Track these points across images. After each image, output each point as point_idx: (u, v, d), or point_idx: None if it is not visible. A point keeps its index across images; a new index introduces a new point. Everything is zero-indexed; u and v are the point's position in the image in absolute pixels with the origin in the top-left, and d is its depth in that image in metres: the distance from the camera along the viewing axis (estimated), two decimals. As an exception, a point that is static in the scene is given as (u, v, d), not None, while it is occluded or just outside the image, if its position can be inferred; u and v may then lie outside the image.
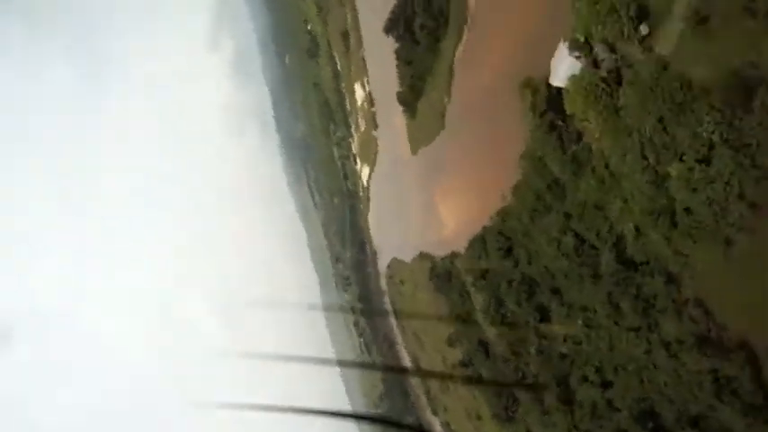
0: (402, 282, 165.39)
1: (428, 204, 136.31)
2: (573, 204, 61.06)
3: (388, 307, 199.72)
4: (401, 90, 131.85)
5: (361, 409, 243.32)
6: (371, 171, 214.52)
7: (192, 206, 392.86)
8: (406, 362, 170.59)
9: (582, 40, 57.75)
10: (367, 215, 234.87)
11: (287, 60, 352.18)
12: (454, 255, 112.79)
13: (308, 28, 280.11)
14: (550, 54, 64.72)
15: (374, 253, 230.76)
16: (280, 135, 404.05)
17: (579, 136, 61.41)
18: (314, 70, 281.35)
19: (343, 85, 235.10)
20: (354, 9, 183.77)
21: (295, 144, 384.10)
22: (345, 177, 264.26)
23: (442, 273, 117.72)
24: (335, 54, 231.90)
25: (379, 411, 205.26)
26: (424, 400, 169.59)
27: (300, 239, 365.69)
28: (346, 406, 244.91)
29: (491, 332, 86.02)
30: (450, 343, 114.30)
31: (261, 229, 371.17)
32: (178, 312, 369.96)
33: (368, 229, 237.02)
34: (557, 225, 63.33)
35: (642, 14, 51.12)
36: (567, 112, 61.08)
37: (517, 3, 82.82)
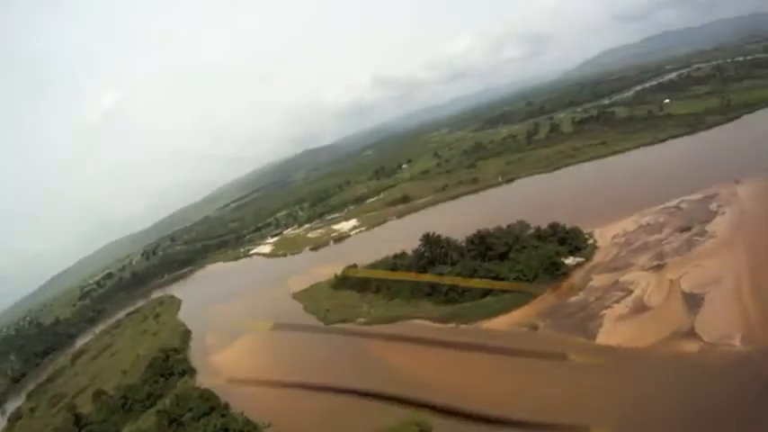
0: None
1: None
2: None
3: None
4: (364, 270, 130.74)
5: None
6: (271, 253, 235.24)
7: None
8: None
9: None
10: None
11: (369, 152, 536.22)
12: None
13: (403, 165, 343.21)
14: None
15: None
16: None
17: None
18: (363, 180, 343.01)
19: (352, 207, 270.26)
20: (438, 201, 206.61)
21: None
22: (256, 230, 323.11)
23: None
24: (382, 196, 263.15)
25: None
26: None
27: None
28: None
29: None
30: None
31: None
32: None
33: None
34: None
35: None
36: None
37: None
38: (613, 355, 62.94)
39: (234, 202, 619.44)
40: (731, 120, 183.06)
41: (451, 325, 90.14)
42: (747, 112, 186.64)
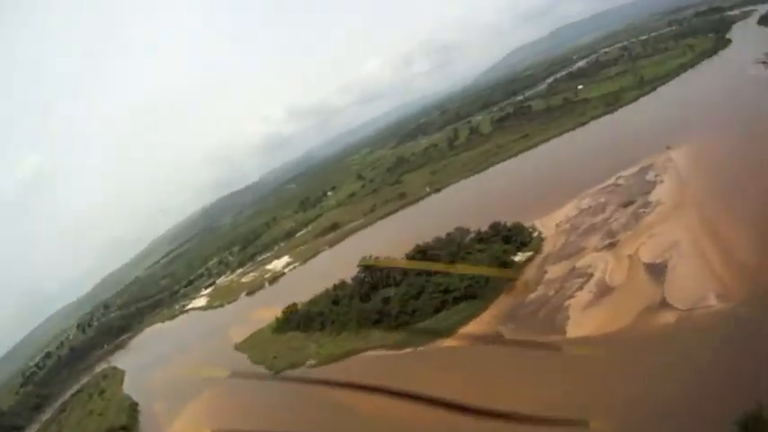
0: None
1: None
2: None
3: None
4: (304, 307, 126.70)
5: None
6: (207, 305, 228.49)
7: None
8: None
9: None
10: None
11: (292, 185, 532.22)
12: None
13: (327, 192, 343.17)
14: None
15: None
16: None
17: None
18: (289, 215, 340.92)
19: (283, 243, 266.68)
20: (368, 223, 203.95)
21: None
22: (189, 283, 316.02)
23: None
24: (311, 227, 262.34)
25: None
26: None
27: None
28: None
29: None
30: None
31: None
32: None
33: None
34: None
35: None
36: None
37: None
38: (589, 346, 60.05)
39: (164, 257, 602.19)
40: (647, 93, 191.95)
41: (408, 350, 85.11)
42: (661, 84, 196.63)
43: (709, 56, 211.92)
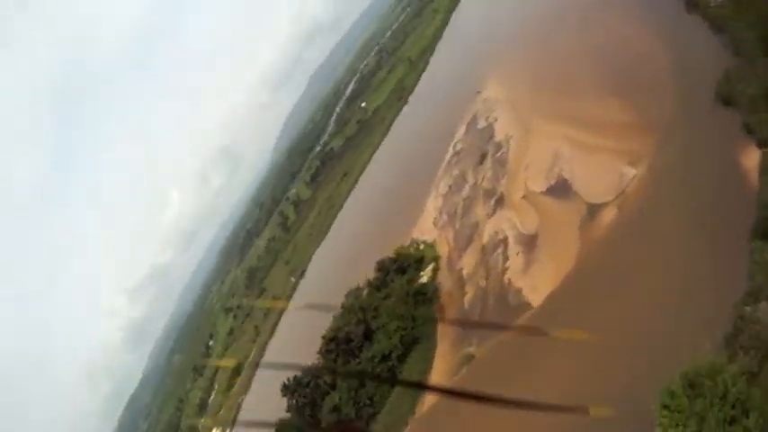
0: None
1: None
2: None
3: None
4: None
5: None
6: None
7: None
8: None
9: None
10: None
11: (176, 356, 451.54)
12: None
13: (209, 343, 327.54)
14: None
15: None
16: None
17: None
18: (191, 386, 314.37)
19: (202, 419, 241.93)
20: (262, 348, 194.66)
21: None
22: None
23: None
24: (216, 384, 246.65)
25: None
26: None
27: None
28: None
29: None
30: None
31: None
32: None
33: None
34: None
35: None
36: None
37: None
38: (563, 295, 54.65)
39: None
40: (424, 69, 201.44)
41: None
42: (431, 54, 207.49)
43: (454, 8, 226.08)
